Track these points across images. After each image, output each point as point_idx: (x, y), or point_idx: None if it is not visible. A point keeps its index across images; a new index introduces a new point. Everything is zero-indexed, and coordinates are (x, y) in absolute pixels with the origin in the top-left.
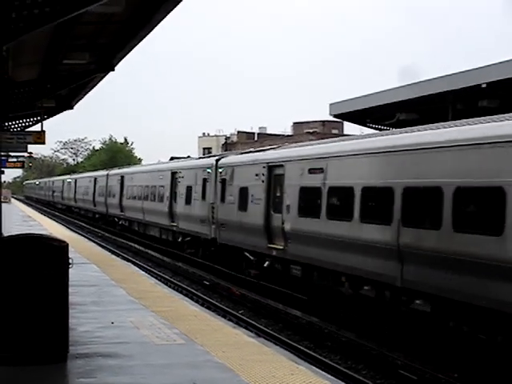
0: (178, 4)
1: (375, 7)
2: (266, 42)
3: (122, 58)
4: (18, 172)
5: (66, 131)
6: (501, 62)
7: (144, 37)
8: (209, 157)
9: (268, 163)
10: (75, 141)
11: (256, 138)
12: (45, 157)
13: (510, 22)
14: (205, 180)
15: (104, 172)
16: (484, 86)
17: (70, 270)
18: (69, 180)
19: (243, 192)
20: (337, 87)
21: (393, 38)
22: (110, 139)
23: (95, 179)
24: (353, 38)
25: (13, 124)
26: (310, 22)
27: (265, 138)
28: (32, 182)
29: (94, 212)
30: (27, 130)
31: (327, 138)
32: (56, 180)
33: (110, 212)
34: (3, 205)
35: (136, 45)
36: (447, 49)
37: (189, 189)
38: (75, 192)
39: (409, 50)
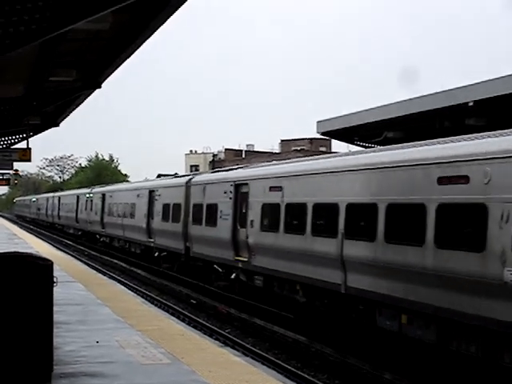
0: (164, 22)
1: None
2: (252, 56)
3: (109, 75)
4: (3, 189)
5: (52, 148)
6: (487, 81)
7: (130, 54)
8: None
9: None
10: (61, 158)
11: (244, 156)
12: (31, 174)
13: (509, 23)
14: None
15: (179, 179)
16: (471, 104)
17: (56, 288)
18: (89, 195)
19: None
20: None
21: (389, 42)
22: (96, 156)
23: (151, 192)
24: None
25: None
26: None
27: (253, 156)
28: (26, 198)
29: (149, 247)
30: (13, 147)
31: (315, 155)
32: (64, 195)
33: (198, 251)
34: None
35: (122, 62)
36: (446, 50)
37: None
38: (103, 212)
39: (407, 53)
